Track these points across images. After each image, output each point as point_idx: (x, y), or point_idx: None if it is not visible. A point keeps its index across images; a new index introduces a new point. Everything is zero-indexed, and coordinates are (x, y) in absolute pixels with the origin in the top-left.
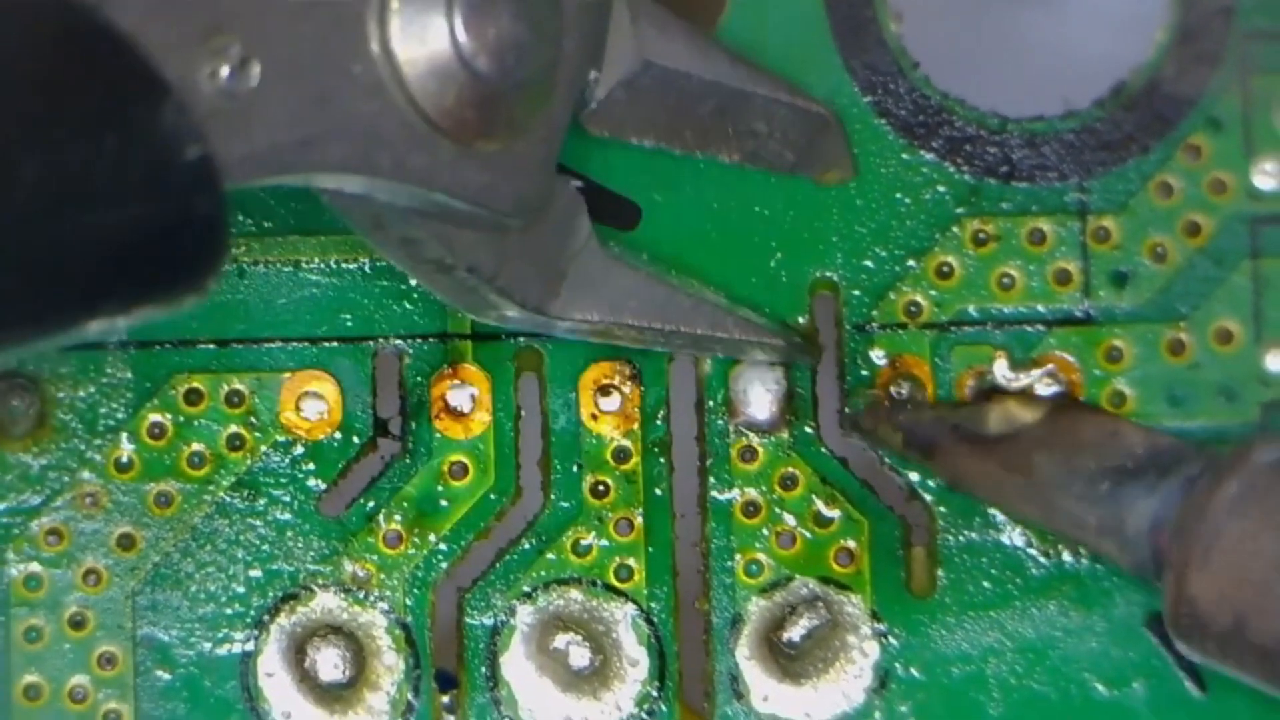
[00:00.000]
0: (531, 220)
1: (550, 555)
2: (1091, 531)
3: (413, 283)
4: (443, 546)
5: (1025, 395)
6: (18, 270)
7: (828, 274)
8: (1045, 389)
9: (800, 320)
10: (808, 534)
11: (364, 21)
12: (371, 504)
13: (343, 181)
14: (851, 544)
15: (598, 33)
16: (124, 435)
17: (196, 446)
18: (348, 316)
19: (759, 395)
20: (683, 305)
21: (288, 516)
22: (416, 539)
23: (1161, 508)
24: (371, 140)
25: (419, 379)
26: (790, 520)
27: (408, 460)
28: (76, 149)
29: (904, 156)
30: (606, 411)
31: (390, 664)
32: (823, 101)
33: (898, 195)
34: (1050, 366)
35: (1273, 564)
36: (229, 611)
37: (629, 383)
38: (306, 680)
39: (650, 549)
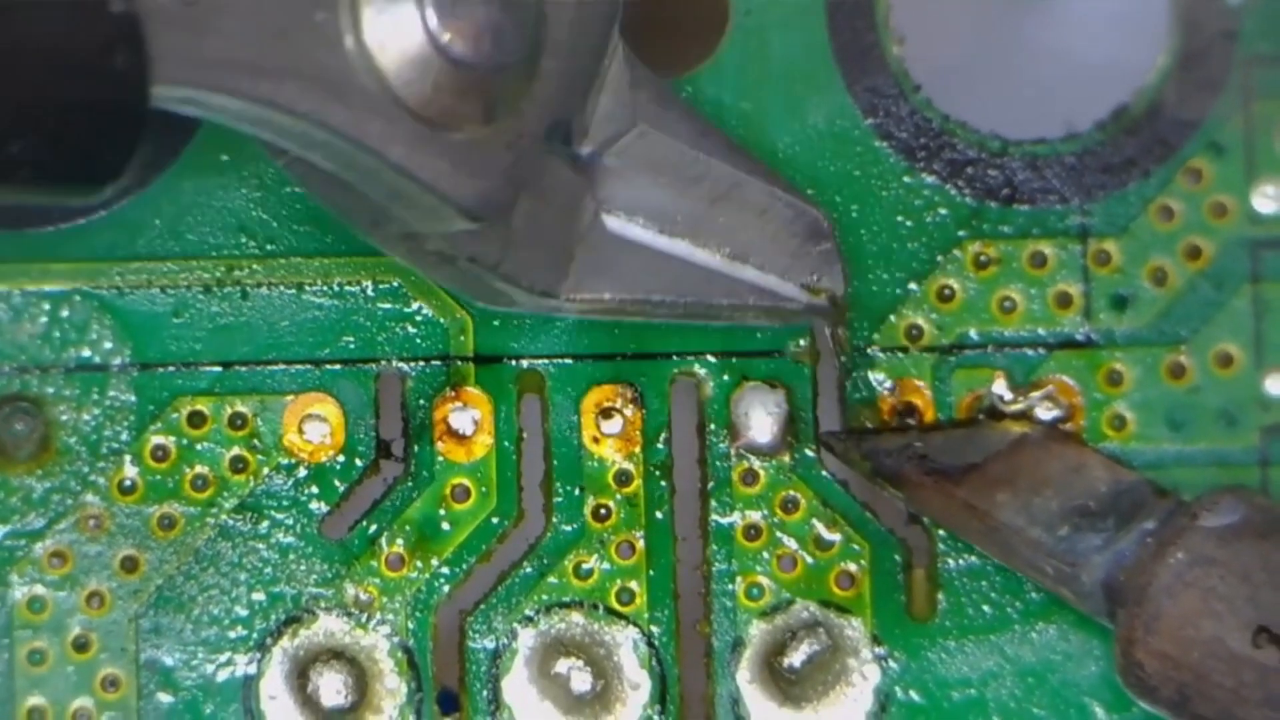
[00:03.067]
0: (489, 224)
1: (552, 578)
2: (1049, 579)
3: (415, 305)
4: (445, 569)
5: (999, 422)
6: None
7: None
8: (1045, 413)
9: (801, 343)
10: (809, 557)
11: None
12: (374, 527)
13: (296, 131)
14: (852, 567)
15: (584, 68)
16: (127, 458)
17: (199, 469)
18: (350, 339)
19: (760, 418)
20: (694, 277)
21: (290, 539)
22: (419, 562)
23: (1114, 564)
24: (329, 92)
25: (421, 401)
26: (791, 544)
27: (410, 483)
28: None
29: (905, 179)
30: (608, 434)
31: (392, 687)
32: (824, 121)
33: (899, 218)
34: (1049, 389)
35: (1209, 650)
36: (231, 634)
37: (631, 405)
38: (309, 704)
39: (651, 572)
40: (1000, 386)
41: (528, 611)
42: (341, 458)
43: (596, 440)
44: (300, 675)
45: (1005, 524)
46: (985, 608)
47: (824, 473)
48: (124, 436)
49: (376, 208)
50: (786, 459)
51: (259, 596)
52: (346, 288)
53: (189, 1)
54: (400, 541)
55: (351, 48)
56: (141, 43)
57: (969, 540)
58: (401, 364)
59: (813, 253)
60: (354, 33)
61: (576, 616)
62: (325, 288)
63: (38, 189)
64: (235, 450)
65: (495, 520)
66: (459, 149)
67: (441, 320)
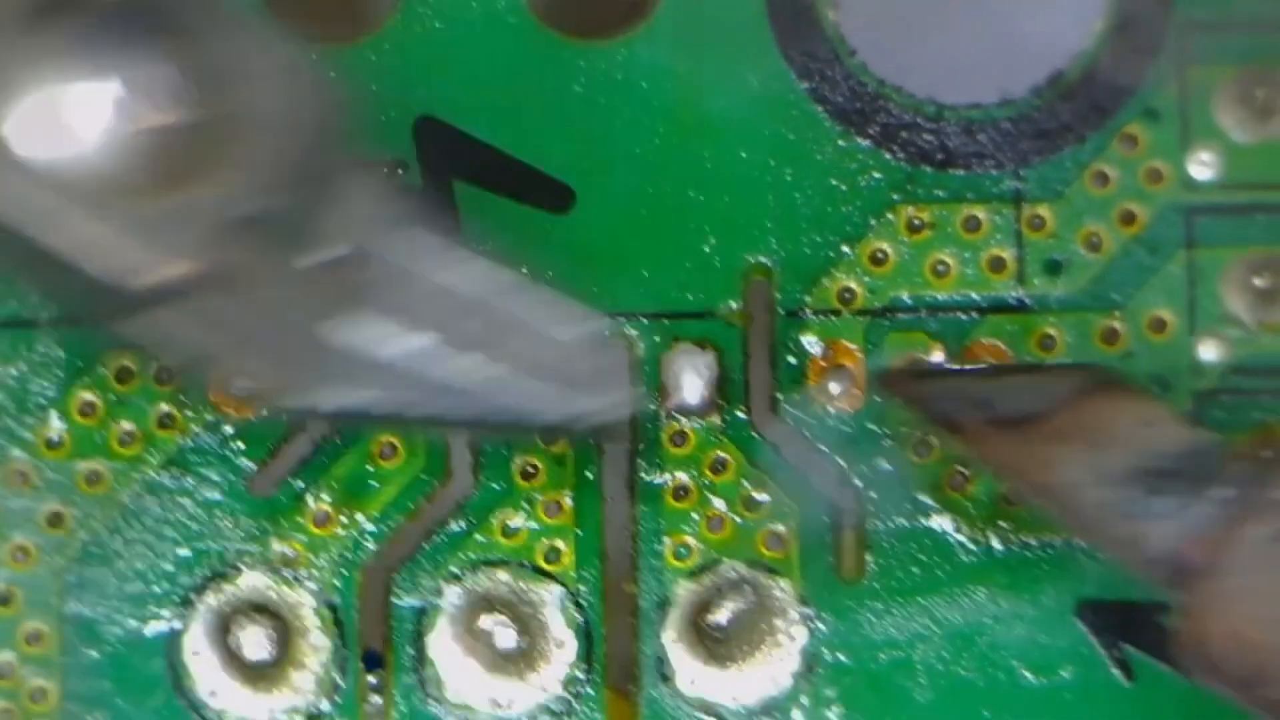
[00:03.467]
0: (172, 306)
1: (479, 537)
2: (1113, 543)
3: None
4: (371, 527)
5: (1058, 367)
6: None
7: (761, 259)
8: None
9: (733, 305)
10: (737, 518)
11: None
12: (301, 484)
13: None
14: (781, 529)
15: (301, 163)
16: (54, 413)
17: (126, 425)
18: None
19: (690, 380)
20: (453, 389)
21: (217, 496)
22: (345, 519)
23: (1187, 532)
24: None
25: None
26: (720, 504)
27: (338, 441)
28: None
29: (840, 143)
30: None
31: (317, 644)
32: (759, 85)
33: (833, 181)
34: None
35: None
36: (157, 590)
37: None
38: (233, 660)
39: (579, 531)
40: (937, 358)
41: (454, 569)
42: (268, 415)
43: None
44: (224, 630)
45: (1069, 482)
46: (914, 570)
47: (754, 434)
48: (51, 392)
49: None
50: (716, 420)
51: (184, 552)
52: None
53: None
54: (327, 499)
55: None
56: None
57: (1025, 496)
58: None
59: (602, 366)
60: None
61: (503, 575)
62: None
63: None
64: (163, 407)
65: (423, 478)
66: (134, 222)
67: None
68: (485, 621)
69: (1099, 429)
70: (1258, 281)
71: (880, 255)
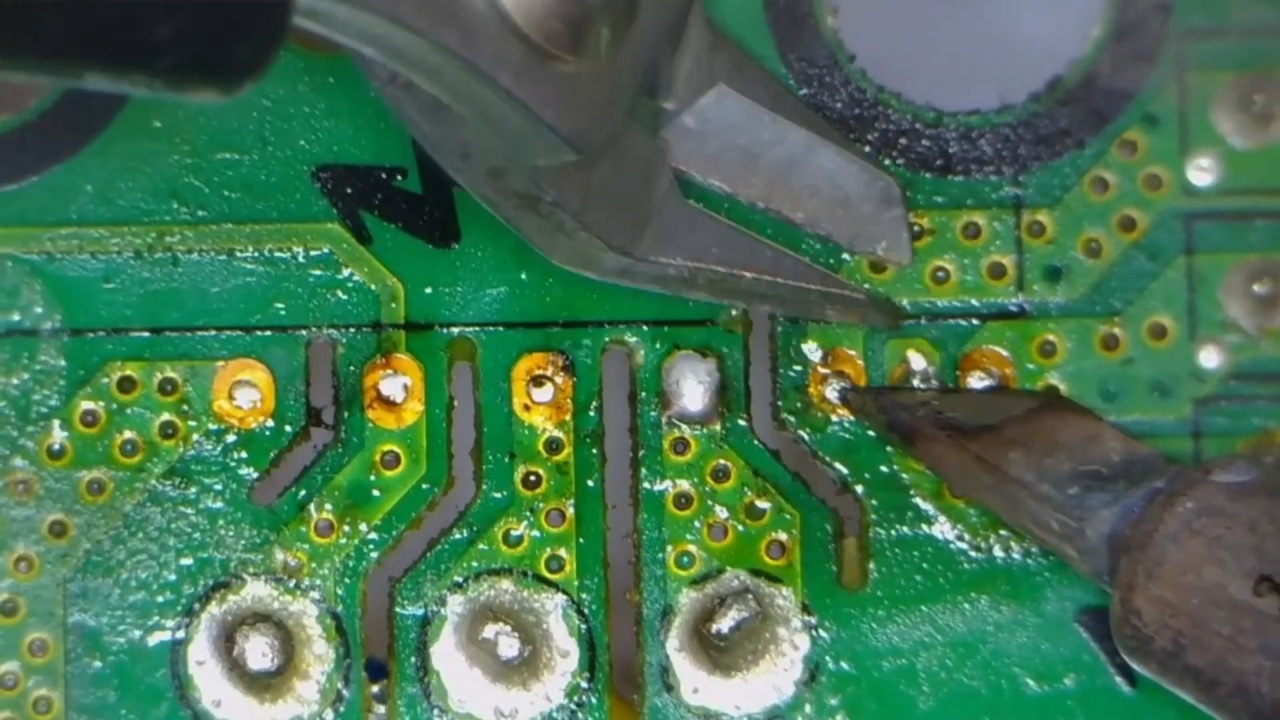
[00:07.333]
0: (589, 159)
1: (482, 545)
2: (1053, 534)
3: (346, 272)
4: (374, 536)
5: (1016, 390)
6: None
7: None
8: (977, 383)
9: (734, 313)
10: (739, 526)
11: None
12: (303, 493)
13: (412, 53)
14: (783, 536)
15: (672, 17)
16: (56, 422)
17: (129, 434)
18: (281, 306)
19: (692, 387)
20: (765, 255)
21: (219, 505)
22: (348, 528)
23: (1121, 518)
24: (445, 13)
25: (352, 368)
26: (722, 512)
27: (340, 449)
28: None
29: None
30: (539, 402)
31: (320, 653)
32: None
33: None
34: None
35: (1210, 597)
36: (160, 599)
37: (562, 374)
38: (237, 669)
39: (581, 540)
40: (919, 362)
41: (457, 578)
42: (271, 424)
43: (527, 408)
44: (228, 640)
45: (1015, 478)
46: (917, 578)
47: (755, 442)
48: (53, 401)
49: (469, 140)
50: (717, 428)
51: (187, 562)
52: (277, 254)
53: None
54: (330, 508)
55: None
56: None
57: (973, 495)
58: (332, 330)
59: (882, 220)
60: None
61: (506, 584)
62: (256, 254)
63: (178, 79)
64: (165, 416)
65: (425, 487)
66: (564, 79)
67: (372, 287)
68: (488, 630)
69: (1046, 439)
70: (1257, 287)
71: (880, 262)
